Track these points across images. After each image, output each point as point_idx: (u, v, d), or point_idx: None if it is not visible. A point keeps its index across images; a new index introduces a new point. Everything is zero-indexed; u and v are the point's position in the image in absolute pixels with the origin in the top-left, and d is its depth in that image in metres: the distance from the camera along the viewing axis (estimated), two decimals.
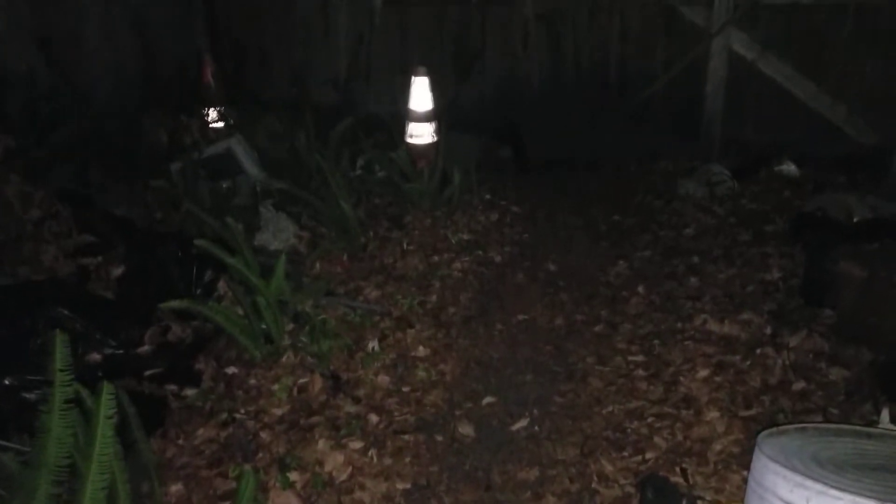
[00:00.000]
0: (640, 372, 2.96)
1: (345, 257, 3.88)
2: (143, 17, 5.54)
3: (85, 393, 1.96)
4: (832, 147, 4.67)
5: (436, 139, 4.44)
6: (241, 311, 3.03)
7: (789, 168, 4.63)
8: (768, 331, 3.08)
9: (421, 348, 3.21)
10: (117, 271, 3.54)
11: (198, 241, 2.93)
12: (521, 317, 3.49)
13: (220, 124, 4.77)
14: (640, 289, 3.60)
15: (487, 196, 4.81)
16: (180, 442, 2.60)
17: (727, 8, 4.64)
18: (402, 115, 4.54)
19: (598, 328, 3.35)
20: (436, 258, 3.93)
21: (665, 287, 3.59)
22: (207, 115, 4.77)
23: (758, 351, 2.93)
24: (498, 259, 4.04)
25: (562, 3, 5.25)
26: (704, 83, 4.90)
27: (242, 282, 3.09)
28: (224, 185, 4.09)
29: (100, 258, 3.69)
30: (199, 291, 3.41)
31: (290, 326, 3.17)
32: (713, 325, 3.19)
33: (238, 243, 3.06)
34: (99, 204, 4.23)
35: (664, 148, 5.14)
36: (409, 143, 4.42)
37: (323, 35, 5.77)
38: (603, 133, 5.35)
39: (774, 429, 1.76)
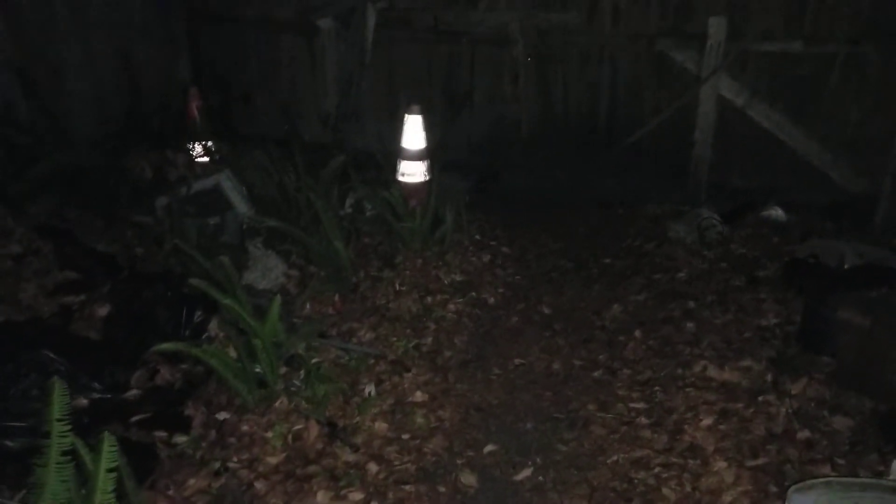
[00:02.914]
0: (643, 419, 2.92)
1: (336, 298, 3.81)
2: (126, 50, 5.50)
3: (79, 443, 1.86)
4: (819, 193, 4.75)
5: (428, 178, 4.42)
6: (233, 354, 2.93)
7: (777, 213, 4.69)
8: (769, 378, 3.07)
9: (418, 393, 3.13)
10: (102, 311, 3.41)
11: (192, 281, 2.84)
12: (518, 361, 3.44)
13: (206, 159, 4.69)
14: (637, 333, 3.58)
15: (477, 236, 4.79)
16: (171, 493, 2.48)
17: (717, 54, 4.73)
18: (393, 153, 4.52)
19: (596, 373, 3.31)
20: (429, 299, 3.88)
21: (662, 332, 3.57)
22: (193, 149, 4.69)
23: (760, 398, 2.91)
24: (492, 301, 4.00)
25: (553, 47, 5.32)
26: (693, 128, 4.97)
27: (234, 323, 3.01)
28: (211, 222, 4.00)
29: (83, 297, 3.57)
30: (187, 332, 3.30)
31: (284, 370, 3.08)
32: (713, 372, 3.17)
33: (231, 283, 2.97)
34: (80, 240, 4.12)
35: (652, 192, 5.19)
36: (400, 182, 4.39)
37: (310, 72, 5.77)
38: (591, 176, 5.40)
39: (802, 483, 1.73)
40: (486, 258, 4.48)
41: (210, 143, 4.71)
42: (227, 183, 4.12)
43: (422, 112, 4.37)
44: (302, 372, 3.03)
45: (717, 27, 4.71)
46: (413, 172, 4.37)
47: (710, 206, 4.88)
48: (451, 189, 4.99)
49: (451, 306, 3.83)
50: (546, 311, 3.93)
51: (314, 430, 2.87)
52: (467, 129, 5.65)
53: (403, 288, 3.95)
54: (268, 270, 3.93)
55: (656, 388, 3.13)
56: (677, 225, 4.58)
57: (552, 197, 5.50)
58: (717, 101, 4.87)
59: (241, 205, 4.13)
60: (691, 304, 3.79)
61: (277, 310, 2.93)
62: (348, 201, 4.57)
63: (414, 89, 5.62)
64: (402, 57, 5.70)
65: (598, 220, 5.18)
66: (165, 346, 2.76)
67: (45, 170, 4.70)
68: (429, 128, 4.49)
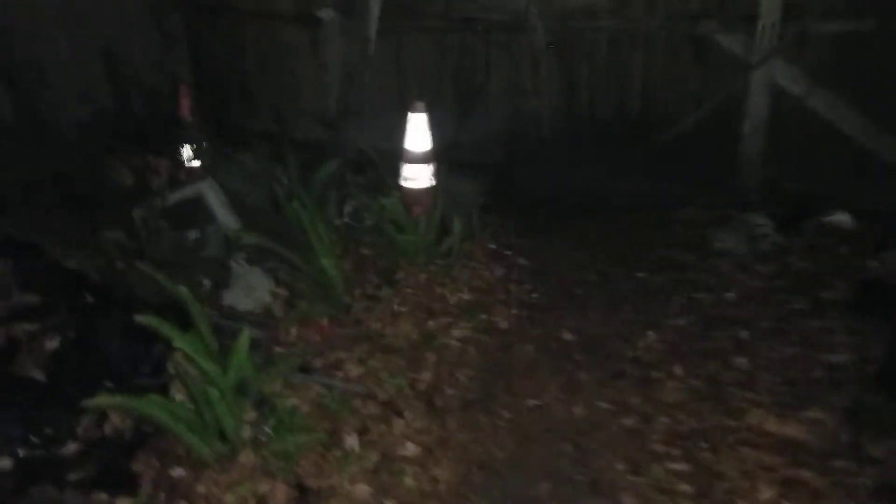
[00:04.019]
0: (686, 487, 2.36)
1: (325, 321, 3.31)
2: (114, 45, 5.07)
3: None
4: (892, 196, 4.05)
5: (434, 183, 3.88)
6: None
7: (841, 219, 4.03)
8: (844, 436, 2.47)
9: (410, 445, 2.62)
10: (53, 344, 2.97)
11: (139, 318, 2.36)
12: (531, 402, 2.89)
13: (198, 163, 4.23)
14: (677, 369, 2.99)
15: (491, 245, 4.25)
16: None
17: (771, 36, 4.07)
18: (398, 154, 3.99)
19: (627, 421, 2.74)
20: (431, 323, 3.36)
21: (707, 368, 2.98)
22: (182, 153, 4.23)
23: (834, 464, 2.32)
24: (504, 325, 3.45)
25: (576, 31, 4.72)
26: (742, 121, 4.31)
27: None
28: (191, 236, 3.54)
29: (37, 325, 3.14)
30: (146, 369, 2.84)
31: (253, 415, 2.59)
32: (772, 425, 2.59)
33: (194, 314, 2.49)
34: (49, 255, 3.70)
35: (692, 194, 4.55)
36: (403, 187, 3.87)
37: (312, 66, 5.28)
38: (621, 176, 4.78)
39: None
40: (500, 272, 3.93)
41: (202, 145, 4.24)
42: (209, 192, 3.66)
43: (427, 109, 3.84)
44: (272, 419, 2.53)
45: (770, 5, 4.04)
46: (417, 177, 3.84)
47: (761, 210, 4.24)
48: (462, 192, 4.46)
49: (456, 332, 3.31)
50: (567, 337, 3.36)
51: (281, 493, 2.40)
52: (482, 126, 5.08)
53: (403, 309, 3.45)
54: (251, 289, 3.46)
55: (701, 443, 2.56)
56: (723, 234, 3.96)
57: (576, 199, 4.91)
58: (770, 89, 4.20)
59: (225, 216, 3.66)
60: (743, 333, 3.18)
61: (245, 348, 2.44)
62: (346, 209, 4.07)
63: (422, 82, 5.09)
64: (409, 47, 5.17)
65: (629, 226, 4.56)
66: (100, 399, 2.31)
67: (20, 176, 4.30)
68: (437, 125, 3.97)
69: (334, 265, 3.26)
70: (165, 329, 2.43)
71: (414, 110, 3.79)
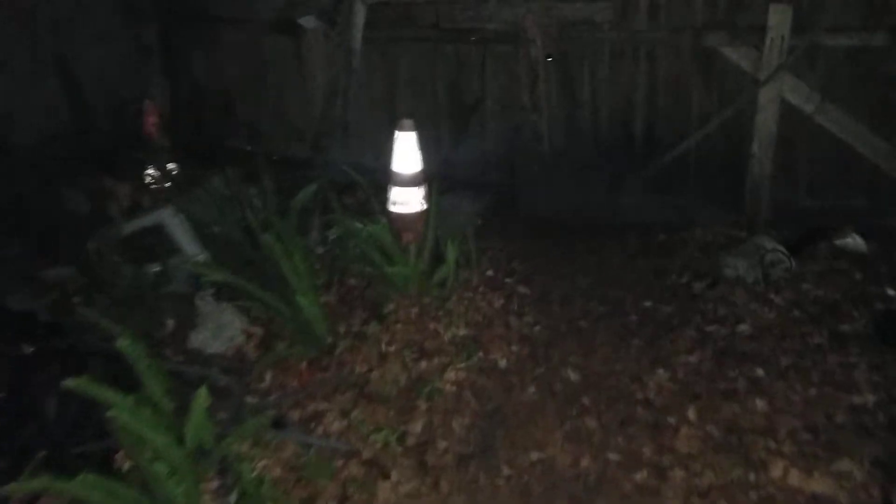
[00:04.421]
0: None
1: (304, 365, 3.06)
2: (81, 60, 4.78)
3: None
4: None
5: (425, 206, 3.64)
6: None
7: (855, 242, 3.82)
8: (876, 492, 2.24)
9: None
10: None
11: (69, 382, 2.07)
12: (534, 455, 2.64)
13: (165, 186, 3.97)
14: (691, 413, 2.76)
15: (489, 272, 4.01)
16: None
17: (780, 50, 3.85)
18: (386, 173, 3.74)
19: (639, 475, 2.50)
20: (423, 364, 3.11)
21: (724, 412, 2.75)
22: (145, 175, 3.95)
23: None
24: (503, 363, 3.20)
25: (578, 44, 4.49)
26: (750, 138, 4.09)
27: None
28: (152, 270, 3.28)
29: None
30: (89, 433, 2.52)
31: (214, 484, 2.32)
32: (798, 478, 2.37)
33: (141, 372, 2.22)
34: None
35: (700, 214, 4.34)
36: (391, 213, 3.62)
37: (298, 78, 5.04)
38: (626, 196, 4.58)
39: None
40: (499, 302, 3.68)
41: (168, 167, 3.97)
42: (172, 220, 3.38)
43: (416, 127, 3.59)
44: (236, 490, 2.26)
45: (779, 17, 3.83)
46: (407, 201, 3.59)
47: (772, 231, 4.03)
48: (458, 213, 4.23)
49: (451, 374, 3.06)
50: (572, 376, 3.11)
51: None
52: (478, 143, 4.86)
53: (391, 348, 3.20)
54: (221, 329, 3.20)
55: (721, 502, 2.32)
56: (734, 259, 3.73)
57: (579, 220, 4.69)
58: (779, 106, 3.98)
59: (190, 247, 3.39)
60: (759, 371, 2.95)
61: (203, 409, 2.17)
62: (331, 235, 3.82)
63: (415, 97, 4.85)
64: (400, 59, 4.93)
65: (636, 249, 4.33)
66: (22, 486, 2.00)
67: None
68: (431, 143, 3.73)
69: (312, 303, 3.00)
70: (103, 393, 2.13)
71: (402, 129, 3.54)
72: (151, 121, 4.11)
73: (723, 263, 3.77)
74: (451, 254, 3.52)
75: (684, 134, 4.33)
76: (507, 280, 3.95)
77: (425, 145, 3.65)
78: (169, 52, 5.41)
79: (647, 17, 4.24)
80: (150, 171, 3.99)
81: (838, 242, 3.85)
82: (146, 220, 3.46)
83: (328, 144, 4.40)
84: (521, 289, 3.87)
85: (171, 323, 3.27)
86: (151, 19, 5.27)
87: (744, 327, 3.30)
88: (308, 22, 4.57)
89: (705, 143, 4.29)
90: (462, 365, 3.12)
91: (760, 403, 2.76)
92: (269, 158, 4.24)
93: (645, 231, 4.48)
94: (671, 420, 2.75)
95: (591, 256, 4.27)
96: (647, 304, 3.68)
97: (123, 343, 2.16)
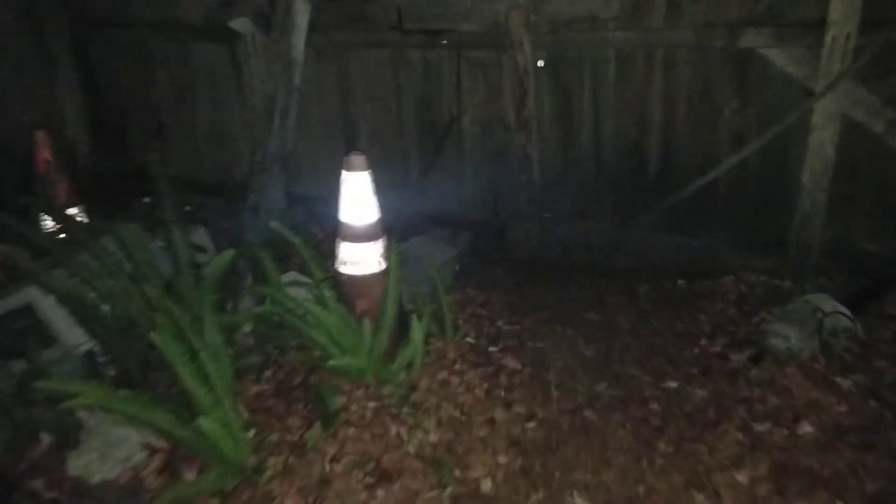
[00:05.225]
0: None
1: (217, 502, 2.23)
2: None
3: None
4: None
5: (384, 265, 2.80)
6: None
7: None
8: None
9: None
10: None
11: None
12: None
13: (62, 236, 3.12)
14: None
15: (469, 338, 3.22)
16: None
17: (844, 52, 3.00)
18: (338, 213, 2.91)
19: None
20: (380, 493, 2.29)
21: None
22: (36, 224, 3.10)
23: None
24: (487, 486, 2.38)
25: (575, 48, 3.64)
26: (799, 166, 3.25)
27: None
28: (16, 369, 2.44)
29: None
30: None
31: None
32: None
33: None
34: None
35: (729, 257, 3.54)
36: (341, 274, 2.79)
37: (237, 93, 4.18)
38: (636, 233, 3.76)
39: None
40: (482, 386, 2.87)
41: (74, 211, 3.13)
42: (43, 302, 2.54)
43: (374, 160, 2.75)
44: None
45: (845, 10, 2.96)
46: (359, 260, 2.75)
47: (823, 281, 3.23)
48: (431, 260, 3.40)
49: None
50: None
51: None
52: (455, 170, 4.01)
53: (338, 467, 2.39)
54: (112, 447, 2.38)
55: None
56: (782, 325, 2.90)
57: (579, 262, 3.89)
58: (840, 124, 3.14)
59: (70, 333, 2.55)
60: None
61: None
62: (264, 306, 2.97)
63: (375, 116, 4.00)
64: (356, 70, 4.07)
65: (650, 302, 3.54)
66: None
67: None
68: (399, 173, 2.90)
69: (220, 425, 2.17)
70: None
71: (350, 167, 2.69)
72: (42, 156, 3.24)
73: (768, 329, 2.95)
74: (417, 332, 2.70)
75: (711, 159, 3.49)
76: (492, 349, 3.16)
77: (390, 178, 2.82)
78: (85, 65, 4.52)
79: (666, 12, 3.36)
80: (40, 219, 3.13)
81: None
82: (12, 300, 2.60)
83: (266, 177, 3.51)
84: (510, 362, 3.06)
85: (45, 440, 2.45)
86: (61, 25, 4.37)
87: (807, 428, 2.49)
88: (242, 25, 3.69)
89: (738, 170, 3.46)
90: (431, 494, 2.30)
91: None
92: (205, 188, 3.38)
93: (658, 277, 3.69)
94: None
95: (593, 312, 3.48)
96: (672, 384, 2.87)
97: None
